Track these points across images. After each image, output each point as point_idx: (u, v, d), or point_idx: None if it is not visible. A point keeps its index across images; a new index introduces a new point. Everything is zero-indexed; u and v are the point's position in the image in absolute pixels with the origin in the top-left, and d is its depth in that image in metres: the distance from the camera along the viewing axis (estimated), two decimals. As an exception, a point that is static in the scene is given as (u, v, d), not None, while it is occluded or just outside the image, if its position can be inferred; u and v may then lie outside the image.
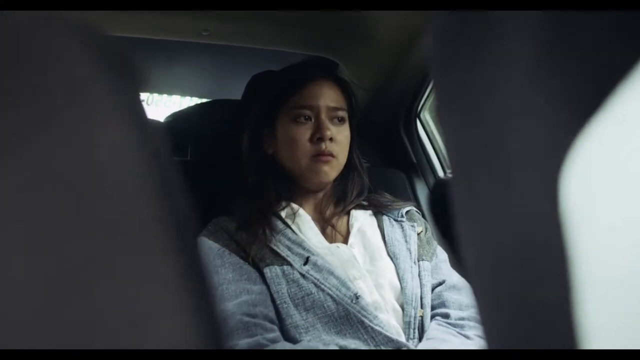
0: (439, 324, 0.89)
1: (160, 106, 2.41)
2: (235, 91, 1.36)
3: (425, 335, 0.88)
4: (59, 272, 0.22)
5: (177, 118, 1.39)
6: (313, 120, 0.98)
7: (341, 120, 1.01)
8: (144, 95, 2.38)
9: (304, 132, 0.97)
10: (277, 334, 0.83)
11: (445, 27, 0.30)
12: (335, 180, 1.05)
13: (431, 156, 1.46)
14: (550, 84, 0.24)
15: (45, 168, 0.22)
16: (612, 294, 0.22)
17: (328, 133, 0.96)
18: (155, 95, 2.40)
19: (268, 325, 0.83)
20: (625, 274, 0.21)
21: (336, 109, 1.00)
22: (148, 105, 2.42)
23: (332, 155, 0.97)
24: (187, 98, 2.27)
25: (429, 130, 1.48)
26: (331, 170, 0.98)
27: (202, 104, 1.42)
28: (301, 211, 0.99)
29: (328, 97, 0.99)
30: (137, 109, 0.27)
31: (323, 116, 0.98)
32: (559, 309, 0.24)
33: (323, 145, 0.96)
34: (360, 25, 1.18)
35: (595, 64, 0.24)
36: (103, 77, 0.25)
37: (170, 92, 2.24)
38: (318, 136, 0.96)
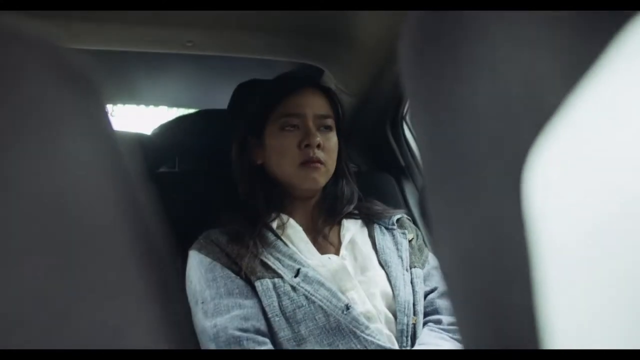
0: (431, 329, 0.90)
1: (146, 118, 2.40)
2: (221, 101, 1.36)
3: (418, 341, 0.88)
4: (22, 286, 0.21)
5: (164, 129, 1.39)
6: (301, 128, 0.98)
7: (328, 128, 1.01)
8: (119, 108, 2.37)
9: (292, 140, 0.97)
10: (269, 346, 0.83)
11: (416, 32, 0.30)
12: (325, 188, 1.05)
13: (419, 159, 1.47)
14: (521, 87, 0.24)
15: (6, 183, 0.22)
16: (576, 294, 0.22)
17: (316, 140, 0.96)
18: (142, 106, 2.39)
19: (260, 338, 0.83)
20: (590, 274, 0.21)
21: (323, 116, 1.00)
22: (134, 117, 2.41)
23: (320, 162, 0.97)
24: (174, 109, 2.26)
25: (413, 132, 1.49)
26: (320, 177, 0.98)
27: (188, 114, 1.42)
28: (292, 222, 0.99)
29: (315, 105, 1.00)
30: (103, 122, 0.27)
31: (310, 123, 0.98)
32: (528, 309, 0.24)
33: (311, 152, 0.96)
34: (345, 31, 1.19)
35: (565, 66, 0.24)
36: (65, 91, 0.25)
37: (156, 104, 2.23)
38: (306, 143, 0.96)
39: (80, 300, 0.23)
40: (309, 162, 0.96)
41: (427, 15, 0.29)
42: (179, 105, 2.19)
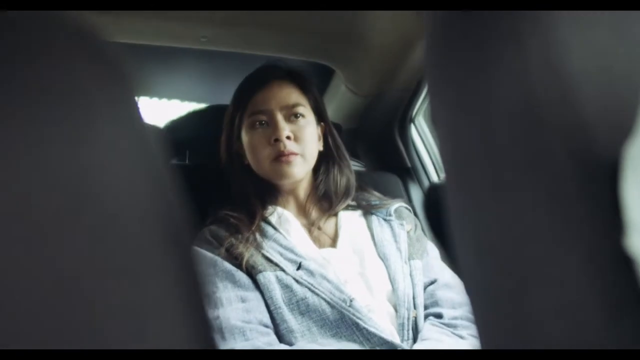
0: (433, 324, 0.89)
1: (160, 111, 2.42)
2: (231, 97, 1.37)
3: (420, 336, 0.88)
4: (54, 273, 0.22)
5: (176, 123, 1.40)
6: (270, 123, 0.99)
7: (301, 115, 1.01)
8: (141, 100, 2.39)
9: (262, 136, 0.98)
10: (272, 337, 0.83)
11: (440, 32, 0.30)
12: (317, 177, 1.06)
13: (425, 161, 1.47)
14: (546, 89, 0.24)
15: (40, 170, 0.22)
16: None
17: (284, 133, 0.96)
18: (155, 99, 2.40)
19: (263, 329, 0.83)
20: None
21: (291, 106, 1.00)
22: (147, 109, 2.43)
23: (293, 153, 0.97)
24: (186, 103, 2.28)
25: (423, 135, 1.50)
26: (295, 168, 0.97)
27: (200, 109, 1.43)
28: (287, 215, 0.99)
29: (281, 97, 1.00)
30: (133, 113, 0.27)
31: (278, 117, 0.98)
32: (552, 308, 0.25)
33: (281, 146, 0.96)
34: (356, 31, 1.19)
35: (593, 65, 0.24)
36: (99, 81, 0.26)
37: (170, 97, 2.25)
38: (275, 137, 0.96)
39: (108, 281, 0.23)
40: (281, 156, 0.96)
41: (451, 14, 0.29)
42: (191, 100, 2.20)
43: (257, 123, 0.99)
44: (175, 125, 1.39)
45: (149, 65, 1.78)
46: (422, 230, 1.08)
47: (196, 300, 0.28)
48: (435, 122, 0.32)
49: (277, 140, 0.97)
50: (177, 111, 2.29)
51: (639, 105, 0.22)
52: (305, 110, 1.02)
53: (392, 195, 1.24)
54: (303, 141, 0.99)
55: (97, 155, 0.24)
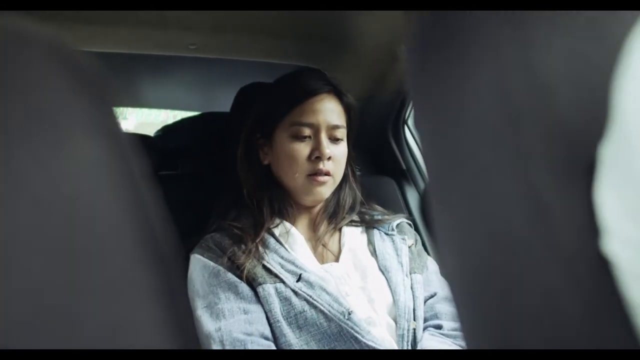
0: (432, 334, 0.90)
1: (148, 120, 2.40)
2: (223, 104, 1.36)
3: (419, 346, 0.88)
4: (34, 281, 0.21)
5: (166, 132, 1.39)
6: (312, 138, 0.96)
7: (340, 137, 0.99)
8: (121, 111, 2.38)
9: (303, 150, 0.95)
10: (273, 349, 0.83)
11: (419, 39, 0.30)
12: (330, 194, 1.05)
13: (421, 162, 1.46)
14: (525, 91, 0.24)
15: (18, 188, 0.22)
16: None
17: (327, 152, 0.95)
18: (145, 109, 2.39)
19: (264, 342, 0.83)
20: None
21: (336, 126, 0.98)
22: (127, 120, 2.41)
23: (328, 174, 0.96)
24: (176, 112, 2.26)
25: (417, 137, 1.49)
26: (326, 190, 0.98)
27: (190, 117, 1.42)
28: (294, 230, 0.98)
29: (329, 114, 0.97)
30: (111, 125, 0.27)
31: (323, 134, 0.96)
32: (534, 310, 0.25)
33: (321, 164, 0.94)
34: (347, 35, 1.19)
35: (571, 69, 0.24)
36: (74, 94, 0.25)
37: (158, 107, 2.23)
38: (317, 155, 0.95)
39: (86, 300, 0.23)
40: (317, 175, 0.95)
41: (431, 19, 0.29)
42: (181, 108, 2.19)
43: (300, 135, 0.96)
44: (166, 134, 1.38)
45: (137, 74, 1.76)
46: (423, 245, 1.09)
47: (176, 314, 0.27)
48: (418, 128, 0.33)
49: (319, 158, 0.95)
50: (166, 120, 2.27)
51: (613, 106, 0.22)
52: (344, 133, 1.01)
53: (388, 199, 1.23)
54: (338, 163, 0.98)
55: (74, 169, 0.24)
